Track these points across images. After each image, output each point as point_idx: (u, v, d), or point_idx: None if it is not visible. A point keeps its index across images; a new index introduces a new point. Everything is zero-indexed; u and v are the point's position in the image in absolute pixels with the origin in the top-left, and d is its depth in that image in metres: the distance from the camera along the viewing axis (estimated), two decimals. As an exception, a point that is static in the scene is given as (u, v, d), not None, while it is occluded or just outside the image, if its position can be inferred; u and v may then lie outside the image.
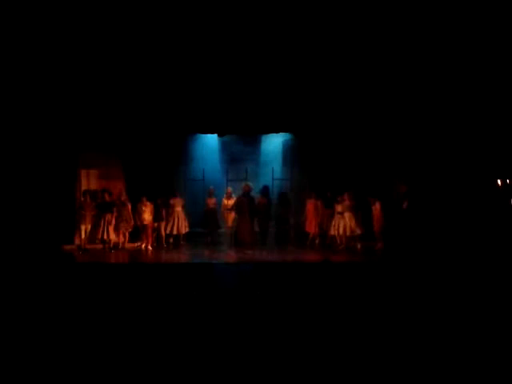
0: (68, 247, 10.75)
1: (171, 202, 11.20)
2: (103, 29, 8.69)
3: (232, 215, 11.37)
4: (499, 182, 9.54)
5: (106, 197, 10.79)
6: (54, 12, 8.30)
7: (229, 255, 10.30)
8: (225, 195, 11.72)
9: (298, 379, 3.94)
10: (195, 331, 4.90)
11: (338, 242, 11.02)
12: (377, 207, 10.76)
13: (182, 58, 9.39)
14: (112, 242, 10.81)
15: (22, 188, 10.35)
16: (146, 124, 10.84)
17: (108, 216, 10.66)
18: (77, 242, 10.80)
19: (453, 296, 6.26)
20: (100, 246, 10.84)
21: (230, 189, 11.78)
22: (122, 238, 10.97)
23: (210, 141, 12.21)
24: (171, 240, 11.37)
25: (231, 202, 11.39)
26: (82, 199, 10.77)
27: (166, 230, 11.22)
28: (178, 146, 12.31)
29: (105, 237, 10.70)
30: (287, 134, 12.12)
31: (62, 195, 10.95)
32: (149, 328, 4.99)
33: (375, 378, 3.96)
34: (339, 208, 10.91)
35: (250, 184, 11.25)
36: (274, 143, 12.51)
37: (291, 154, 12.46)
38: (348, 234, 10.87)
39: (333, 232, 11.04)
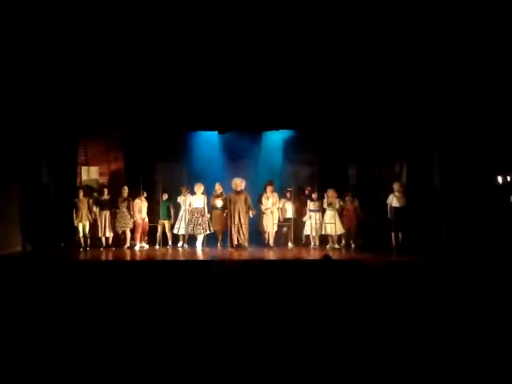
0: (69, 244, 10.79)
1: (178, 199, 10.75)
2: (105, 25, 8.64)
3: (221, 215, 10.73)
4: (499, 178, 9.52)
5: (105, 193, 10.78)
6: None
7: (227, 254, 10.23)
8: (213, 193, 10.89)
9: (300, 378, 3.95)
10: (195, 329, 4.91)
11: (312, 242, 10.91)
12: (355, 204, 10.71)
13: (181, 54, 9.36)
14: (110, 239, 10.83)
15: (18, 182, 10.39)
16: (147, 121, 10.85)
17: (107, 213, 10.66)
18: (76, 239, 10.78)
19: (452, 294, 6.27)
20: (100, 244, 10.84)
21: (218, 185, 10.88)
22: (122, 236, 10.89)
23: (211, 138, 12.18)
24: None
25: (220, 200, 10.77)
26: (78, 196, 10.75)
27: (172, 229, 10.84)
28: (178, 142, 12.32)
29: (104, 234, 10.70)
30: (288, 130, 12.13)
31: (61, 191, 11.00)
32: (147, 326, 5.00)
33: (371, 376, 3.97)
34: (315, 205, 10.77)
35: (241, 180, 10.70)
36: (274, 140, 12.47)
37: (292, 151, 12.45)
38: (334, 233, 10.69)
39: (308, 231, 10.93)
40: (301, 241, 11.18)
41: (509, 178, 9.49)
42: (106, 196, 10.78)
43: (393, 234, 10.50)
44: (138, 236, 10.73)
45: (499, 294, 6.15)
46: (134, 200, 10.68)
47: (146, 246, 10.82)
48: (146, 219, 10.79)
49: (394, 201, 10.43)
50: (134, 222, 10.71)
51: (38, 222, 10.64)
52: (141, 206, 10.69)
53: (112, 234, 10.80)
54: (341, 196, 10.83)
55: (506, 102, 9.33)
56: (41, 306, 5.70)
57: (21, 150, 10.44)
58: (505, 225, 9.30)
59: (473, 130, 9.77)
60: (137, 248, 10.63)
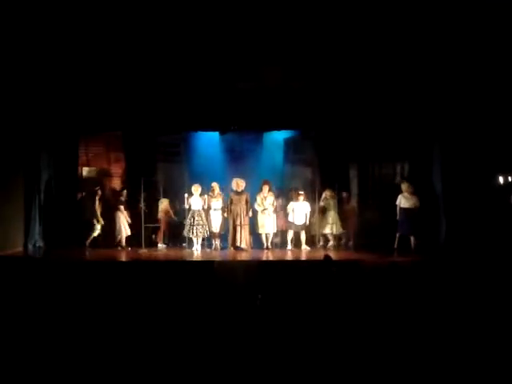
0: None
1: (189, 200, 10.51)
2: (106, 26, 8.64)
3: (218, 216, 10.56)
4: (500, 178, 9.51)
5: (124, 195, 10.84)
6: None
7: (229, 254, 10.22)
8: (210, 193, 10.60)
9: (300, 378, 3.95)
10: (196, 329, 4.92)
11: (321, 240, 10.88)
12: (352, 204, 10.72)
13: (182, 55, 9.38)
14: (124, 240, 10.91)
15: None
16: (148, 122, 10.87)
17: (127, 214, 10.78)
18: (88, 240, 10.81)
19: (452, 295, 6.28)
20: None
21: (214, 185, 10.61)
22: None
23: (212, 138, 12.19)
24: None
25: (217, 200, 10.58)
26: (96, 196, 10.84)
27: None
28: (179, 143, 12.34)
29: (126, 234, 10.81)
30: (289, 131, 12.14)
31: (62, 192, 11.05)
32: (149, 326, 5.01)
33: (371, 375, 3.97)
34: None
35: (241, 180, 10.54)
36: (275, 140, 12.47)
37: (293, 151, 12.45)
38: (334, 232, 10.71)
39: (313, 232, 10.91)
40: (300, 242, 11.04)
41: (510, 178, 9.48)
42: (125, 197, 10.88)
43: (397, 235, 10.38)
44: (161, 235, 11.04)
45: (500, 294, 6.15)
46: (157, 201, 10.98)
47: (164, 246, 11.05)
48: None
49: (402, 201, 10.32)
50: (159, 222, 10.95)
51: (41, 222, 10.72)
52: (167, 206, 10.94)
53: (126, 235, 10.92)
54: (338, 196, 10.82)
55: (507, 103, 9.32)
56: (41, 307, 5.72)
57: (23, 152, 10.48)
58: (505, 225, 9.29)
59: (473, 130, 9.75)
60: (161, 247, 10.90)
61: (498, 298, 6.00)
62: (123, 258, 10.08)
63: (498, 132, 9.55)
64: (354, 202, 10.93)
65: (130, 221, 10.79)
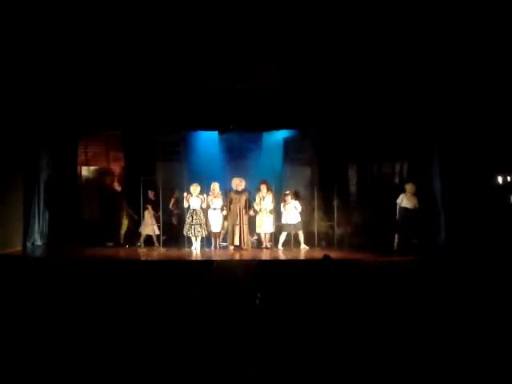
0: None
1: (188, 200, 10.44)
2: (105, 26, 8.63)
3: (217, 216, 10.55)
4: (499, 178, 9.51)
5: (151, 195, 10.88)
6: None
7: (229, 253, 10.20)
8: (210, 193, 10.58)
9: (299, 378, 3.95)
10: (195, 328, 4.92)
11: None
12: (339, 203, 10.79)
13: (181, 54, 9.38)
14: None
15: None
16: (148, 121, 10.87)
17: (154, 213, 10.87)
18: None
19: (452, 295, 6.28)
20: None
21: (215, 185, 10.60)
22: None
23: (211, 138, 12.18)
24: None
25: (217, 199, 10.55)
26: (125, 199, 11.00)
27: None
28: (178, 142, 12.33)
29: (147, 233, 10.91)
30: (289, 130, 12.14)
31: (62, 192, 11.06)
32: (148, 325, 5.01)
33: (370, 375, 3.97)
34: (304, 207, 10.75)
35: (240, 179, 10.55)
36: (275, 139, 12.46)
37: (292, 151, 12.45)
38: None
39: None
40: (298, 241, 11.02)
41: (509, 178, 9.48)
42: (152, 197, 10.91)
43: (396, 236, 10.34)
44: None
45: (499, 294, 6.15)
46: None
47: None
48: None
49: (404, 201, 10.29)
50: None
51: (41, 221, 10.75)
52: None
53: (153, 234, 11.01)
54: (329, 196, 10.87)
55: (506, 103, 9.32)
56: (40, 306, 5.72)
57: (23, 151, 10.48)
58: (505, 225, 9.29)
59: (473, 130, 9.75)
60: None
61: (497, 297, 6.00)
62: (123, 257, 10.06)
63: (498, 132, 9.52)
64: (340, 202, 10.91)
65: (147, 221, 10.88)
